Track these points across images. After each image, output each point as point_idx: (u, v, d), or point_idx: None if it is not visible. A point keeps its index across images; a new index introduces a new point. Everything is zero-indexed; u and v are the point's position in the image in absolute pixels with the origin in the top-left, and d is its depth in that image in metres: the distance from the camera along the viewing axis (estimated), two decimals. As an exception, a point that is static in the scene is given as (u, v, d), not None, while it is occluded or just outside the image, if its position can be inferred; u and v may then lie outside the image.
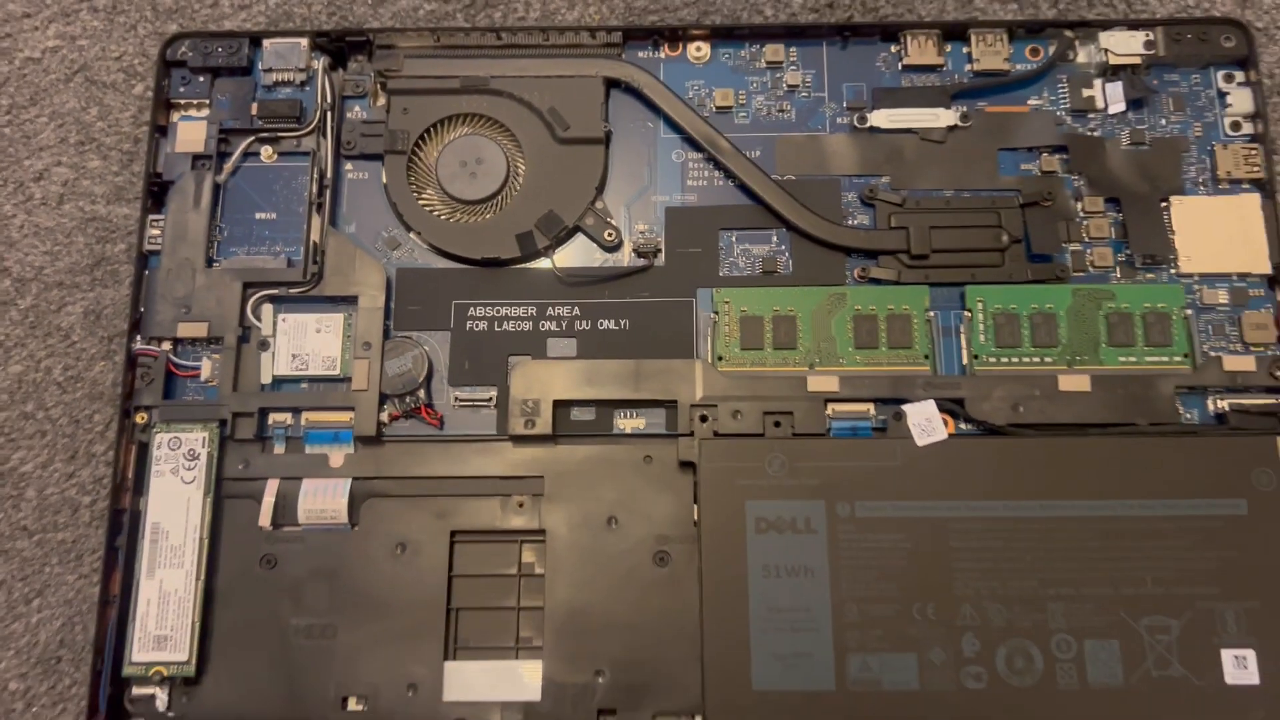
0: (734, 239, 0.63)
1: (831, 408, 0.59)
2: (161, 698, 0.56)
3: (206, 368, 0.61)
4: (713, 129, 0.63)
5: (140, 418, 0.59)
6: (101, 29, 0.69)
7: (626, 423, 0.60)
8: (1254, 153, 0.62)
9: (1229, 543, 0.56)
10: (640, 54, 0.66)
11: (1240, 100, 0.63)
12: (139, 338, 0.61)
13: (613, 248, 0.63)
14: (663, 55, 0.66)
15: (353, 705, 0.56)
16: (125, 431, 0.59)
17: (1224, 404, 0.59)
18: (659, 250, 0.63)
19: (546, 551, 0.58)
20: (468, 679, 0.56)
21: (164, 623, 0.56)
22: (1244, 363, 0.59)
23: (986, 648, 0.54)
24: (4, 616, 0.60)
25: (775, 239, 0.63)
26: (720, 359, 0.60)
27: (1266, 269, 0.61)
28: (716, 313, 0.61)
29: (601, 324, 0.62)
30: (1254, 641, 0.54)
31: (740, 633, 0.55)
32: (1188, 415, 0.59)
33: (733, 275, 0.62)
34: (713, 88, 0.65)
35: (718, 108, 0.65)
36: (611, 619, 0.57)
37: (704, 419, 0.59)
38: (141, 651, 0.56)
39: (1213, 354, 0.59)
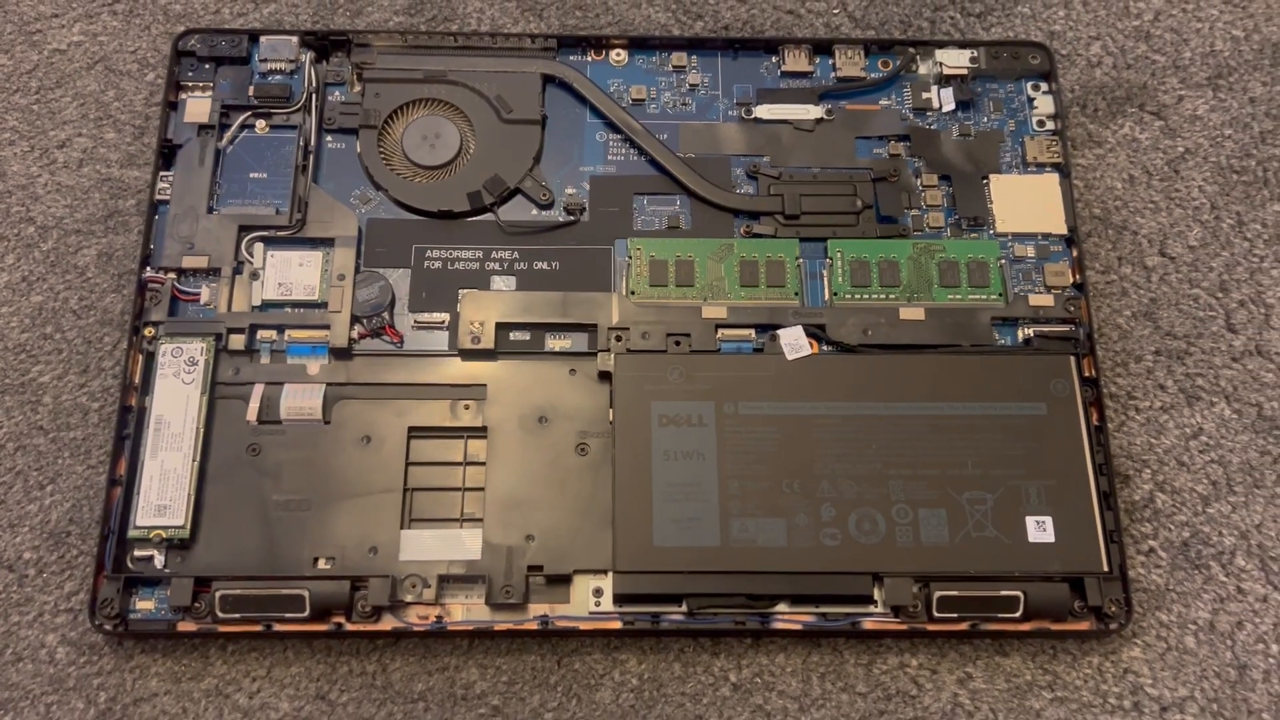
0: (645, 201, 0.74)
1: (721, 332, 0.70)
2: (159, 558, 0.64)
3: (205, 293, 0.70)
4: (629, 116, 0.76)
5: (148, 331, 0.69)
6: (119, 28, 0.82)
7: (556, 342, 0.70)
8: (1054, 143, 0.76)
9: (1032, 436, 0.67)
10: (571, 57, 0.78)
11: (1044, 105, 0.78)
12: (149, 267, 0.71)
13: (546, 206, 0.75)
14: (589, 59, 0.78)
15: (322, 564, 0.64)
16: (134, 344, 0.69)
17: (1030, 331, 0.71)
18: (584, 209, 0.74)
19: (488, 444, 0.68)
20: (421, 543, 0.65)
21: (164, 495, 0.65)
22: (1046, 300, 0.71)
23: (840, 514, 0.65)
24: (21, 500, 0.69)
25: (678, 202, 0.74)
26: (633, 293, 0.72)
27: (1063, 230, 0.74)
28: (630, 257, 0.72)
29: (536, 265, 0.73)
30: (1051, 510, 0.65)
31: (645, 501, 0.65)
32: (1001, 339, 0.71)
33: (644, 229, 0.74)
34: (629, 85, 0.77)
35: (633, 100, 0.77)
36: (540, 496, 0.66)
37: (618, 339, 0.70)
38: (144, 518, 0.64)
39: (1021, 293, 0.72)
